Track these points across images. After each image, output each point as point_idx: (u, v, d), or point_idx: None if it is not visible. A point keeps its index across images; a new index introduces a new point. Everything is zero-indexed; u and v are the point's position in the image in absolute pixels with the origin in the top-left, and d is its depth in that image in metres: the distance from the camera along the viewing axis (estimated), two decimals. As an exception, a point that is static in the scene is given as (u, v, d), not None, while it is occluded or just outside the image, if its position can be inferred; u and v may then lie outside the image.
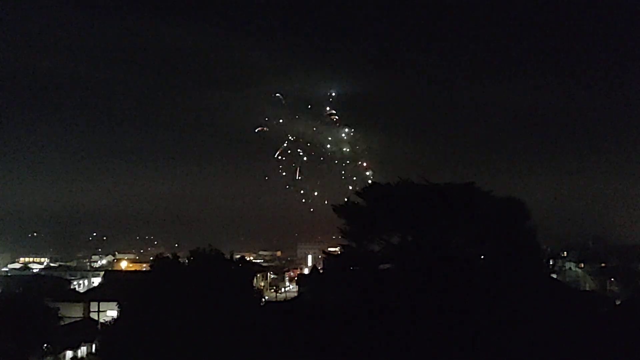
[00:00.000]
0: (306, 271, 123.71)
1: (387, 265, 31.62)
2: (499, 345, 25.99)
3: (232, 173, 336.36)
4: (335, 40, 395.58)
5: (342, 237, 32.86)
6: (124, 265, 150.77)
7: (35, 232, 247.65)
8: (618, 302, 49.11)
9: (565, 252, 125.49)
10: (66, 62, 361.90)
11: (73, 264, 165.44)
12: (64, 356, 54.62)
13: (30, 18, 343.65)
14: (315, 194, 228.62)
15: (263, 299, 46.75)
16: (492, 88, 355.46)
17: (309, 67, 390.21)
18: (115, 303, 42.99)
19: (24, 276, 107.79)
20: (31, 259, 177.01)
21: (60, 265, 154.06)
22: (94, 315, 65.60)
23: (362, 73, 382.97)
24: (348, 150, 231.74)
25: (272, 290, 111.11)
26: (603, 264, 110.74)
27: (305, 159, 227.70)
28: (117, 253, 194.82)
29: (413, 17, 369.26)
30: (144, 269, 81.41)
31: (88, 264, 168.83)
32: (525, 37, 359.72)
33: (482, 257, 32.52)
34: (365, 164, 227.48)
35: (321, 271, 43.78)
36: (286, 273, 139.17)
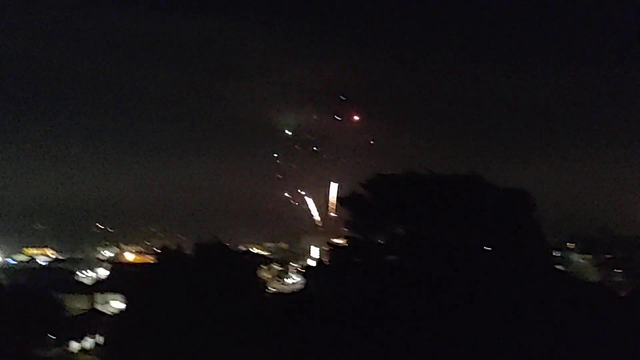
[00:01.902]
0: (311, 263, 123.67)
1: (392, 257, 31.61)
2: (505, 336, 25.98)
3: (237, 165, 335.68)
4: (340, 29, 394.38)
5: (347, 228, 32.86)
6: (129, 257, 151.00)
7: (42, 224, 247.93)
8: (624, 294, 48.97)
9: (570, 243, 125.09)
10: (69, 54, 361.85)
11: (79, 255, 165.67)
12: (70, 347, 54.84)
13: (37, 13, 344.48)
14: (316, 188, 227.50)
15: (267, 290, 46.81)
16: (496, 79, 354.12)
17: (314, 56, 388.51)
18: (120, 295, 43.17)
19: (30, 268, 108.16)
20: (37, 251, 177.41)
21: (66, 257, 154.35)
22: (99, 307, 65.82)
23: (367, 63, 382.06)
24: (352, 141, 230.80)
25: (277, 281, 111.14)
26: (609, 255, 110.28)
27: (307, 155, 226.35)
28: (122, 245, 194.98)
29: (418, 7, 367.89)
30: (150, 261, 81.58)
31: (94, 256, 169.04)
32: (530, 28, 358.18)
33: (487, 248, 32.48)
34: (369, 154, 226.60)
35: (326, 263, 43.76)
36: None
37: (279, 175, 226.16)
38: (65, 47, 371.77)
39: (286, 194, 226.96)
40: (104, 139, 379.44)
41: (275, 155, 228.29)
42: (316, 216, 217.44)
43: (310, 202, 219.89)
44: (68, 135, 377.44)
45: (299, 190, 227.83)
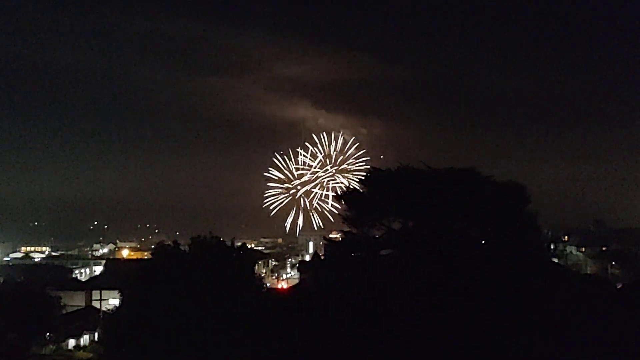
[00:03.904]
0: (307, 258, 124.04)
1: (388, 251, 31.59)
2: (501, 329, 26.00)
3: (232, 161, 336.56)
4: (334, 25, 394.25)
5: (343, 223, 32.84)
6: (125, 253, 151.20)
7: (37, 222, 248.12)
8: (619, 286, 49.14)
9: (566, 236, 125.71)
10: (63, 51, 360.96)
11: (74, 252, 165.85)
12: (66, 344, 54.77)
13: (31, 11, 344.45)
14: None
15: (265, 286, 46.79)
16: (492, 74, 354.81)
17: (309, 52, 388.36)
18: (116, 291, 43.12)
19: (26, 265, 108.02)
20: (32, 248, 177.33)
21: (61, 254, 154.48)
22: (95, 304, 65.79)
23: (363, 58, 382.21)
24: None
25: (274, 277, 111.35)
26: (604, 248, 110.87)
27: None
28: (118, 241, 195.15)
29: (413, 3, 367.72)
30: (145, 257, 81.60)
31: (89, 252, 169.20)
32: (528, 23, 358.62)
33: (483, 241, 32.48)
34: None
35: (322, 257, 43.77)
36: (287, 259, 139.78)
37: (279, 175, 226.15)
38: (60, 47, 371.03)
39: (283, 190, 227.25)
40: (100, 137, 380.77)
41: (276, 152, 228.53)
42: (313, 212, 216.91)
43: (307, 199, 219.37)
44: (65, 134, 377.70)
45: (297, 187, 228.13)
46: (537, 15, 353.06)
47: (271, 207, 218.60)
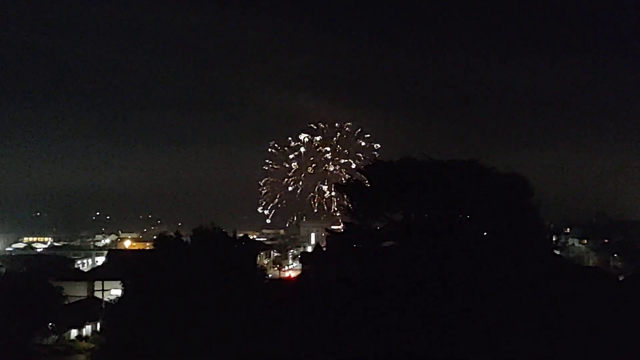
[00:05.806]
0: (309, 249, 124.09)
1: (390, 243, 31.55)
2: (502, 322, 25.98)
3: (233, 152, 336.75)
4: (338, 16, 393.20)
5: (345, 215, 32.83)
6: (127, 244, 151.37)
7: (39, 212, 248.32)
8: (621, 278, 49.09)
9: (568, 228, 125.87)
10: (68, 43, 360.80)
11: (77, 243, 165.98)
12: (69, 335, 54.90)
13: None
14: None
15: (267, 277, 46.72)
16: (495, 65, 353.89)
17: (308, 45, 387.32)
18: (119, 282, 43.07)
19: (28, 256, 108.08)
20: (35, 239, 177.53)
21: (64, 245, 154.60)
22: (98, 295, 65.83)
23: (366, 49, 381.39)
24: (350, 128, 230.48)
25: (276, 268, 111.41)
26: (606, 240, 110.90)
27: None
28: (120, 232, 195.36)
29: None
30: (148, 248, 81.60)
31: (92, 243, 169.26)
32: (529, 14, 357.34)
33: (486, 233, 32.43)
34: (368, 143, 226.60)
35: (324, 249, 43.73)
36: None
37: (276, 166, 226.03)
38: (62, 39, 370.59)
39: (285, 182, 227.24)
40: (102, 128, 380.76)
41: (275, 144, 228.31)
42: (315, 203, 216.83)
43: (309, 190, 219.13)
44: (67, 125, 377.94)
45: (298, 179, 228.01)
46: (539, 6, 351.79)
47: (270, 208, 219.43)
